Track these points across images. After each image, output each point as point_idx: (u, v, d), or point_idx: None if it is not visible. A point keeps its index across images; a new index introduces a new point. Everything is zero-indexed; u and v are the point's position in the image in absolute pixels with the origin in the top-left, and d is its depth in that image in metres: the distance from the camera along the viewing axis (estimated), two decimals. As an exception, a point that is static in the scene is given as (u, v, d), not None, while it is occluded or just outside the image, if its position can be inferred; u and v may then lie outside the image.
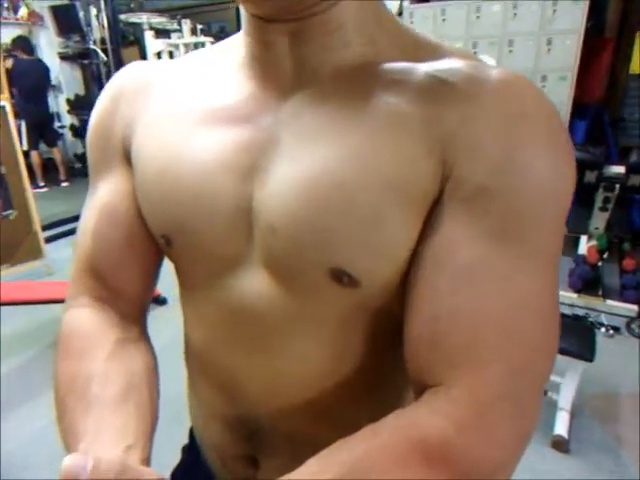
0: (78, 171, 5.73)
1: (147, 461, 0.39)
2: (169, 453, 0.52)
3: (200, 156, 0.43)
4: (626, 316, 2.40)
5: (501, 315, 0.36)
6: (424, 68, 0.39)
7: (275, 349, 0.45)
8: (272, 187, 0.41)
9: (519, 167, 0.36)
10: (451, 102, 0.37)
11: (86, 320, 0.50)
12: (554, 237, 0.38)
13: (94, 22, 5.34)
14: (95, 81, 5.87)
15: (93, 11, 5.26)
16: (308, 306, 0.43)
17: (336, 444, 0.37)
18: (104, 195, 0.51)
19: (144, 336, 0.53)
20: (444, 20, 2.81)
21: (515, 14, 2.63)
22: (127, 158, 0.49)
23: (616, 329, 2.32)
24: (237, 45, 0.46)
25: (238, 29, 0.47)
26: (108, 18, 4.39)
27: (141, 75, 0.51)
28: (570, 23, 2.51)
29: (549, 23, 2.56)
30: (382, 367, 0.48)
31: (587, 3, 2.45)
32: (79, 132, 5.98)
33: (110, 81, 0.53)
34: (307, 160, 0.39)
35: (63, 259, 2.86)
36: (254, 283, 0.44)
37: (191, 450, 0.62)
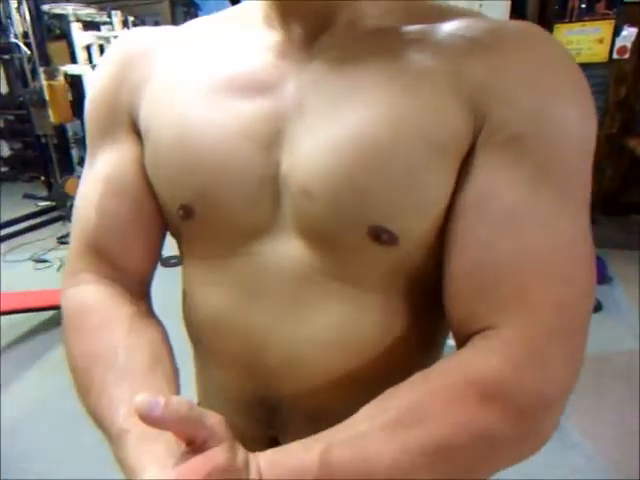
0: (4, 175, 5.36)
1: None
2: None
3: (222, 124, 0.42)
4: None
5: (547, 257, 0.38)
6: (443, 28, 0.41)
7: (306, 313, 0.44)
8: (304, 152, 0.41)
9: (550, 115, 0.37)
10: (475, 54, 0.39)
11: (95, 296, 0.47)
12: (587, 181, 0.40)
13: (14, 15, 4.99)
14: (19, 78, 5.49)
15: (13, 3, 4.91)
16: (346, 268, 0.43)
17: (388, 391, 0.37)
18: (108, 166, 0.48)
19: (152, 311, 0.52)
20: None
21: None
22: (133, 126, 0.47)
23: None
24: (249, 12, 0.46)
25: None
26: (30, 10, 4.12)
27: (145, 40, 0.49)
28: (495, 17, 2.67)
29: (476, 17, 2.72)
30: (420, 333, 0.48)
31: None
32: (3, 134, 5.59)
33: (111, 47, 0.51)
34: (338, 122, 0.40)
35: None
36: (285, 248, 0.43)
37: None
